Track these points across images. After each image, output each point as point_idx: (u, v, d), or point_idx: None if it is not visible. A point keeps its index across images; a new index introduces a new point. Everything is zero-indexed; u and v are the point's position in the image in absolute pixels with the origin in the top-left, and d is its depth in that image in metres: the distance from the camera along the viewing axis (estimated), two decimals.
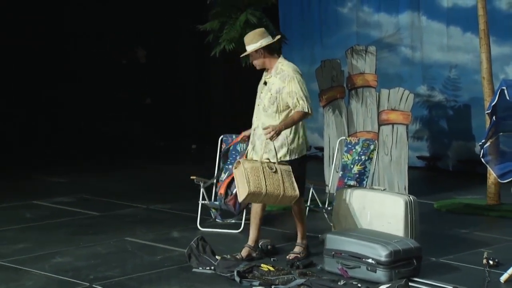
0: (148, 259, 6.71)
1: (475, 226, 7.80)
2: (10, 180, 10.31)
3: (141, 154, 12.63)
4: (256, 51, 6.52)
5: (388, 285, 5.69)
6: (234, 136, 7.81)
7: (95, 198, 9.27)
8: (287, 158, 6.48)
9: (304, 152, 6.58)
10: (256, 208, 6.64)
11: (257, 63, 6.59)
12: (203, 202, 7.72)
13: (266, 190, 6.23)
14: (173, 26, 13.31)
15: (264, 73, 6.65)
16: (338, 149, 8.26)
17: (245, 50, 6.67)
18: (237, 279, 5.97)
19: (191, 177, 7.68)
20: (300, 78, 6.47)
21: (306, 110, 6.38)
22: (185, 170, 7.98)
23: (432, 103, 10.77)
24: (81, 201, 9.14)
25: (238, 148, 7.79)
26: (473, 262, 6.45)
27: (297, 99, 6.38)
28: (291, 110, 6.43)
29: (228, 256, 6.47)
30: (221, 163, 7.82)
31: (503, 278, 5.99)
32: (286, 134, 6.46)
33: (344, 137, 8.42)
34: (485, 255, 6.29)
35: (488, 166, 6.20)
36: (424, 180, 10.15)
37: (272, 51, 6.57)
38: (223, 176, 7.75)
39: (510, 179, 6.02)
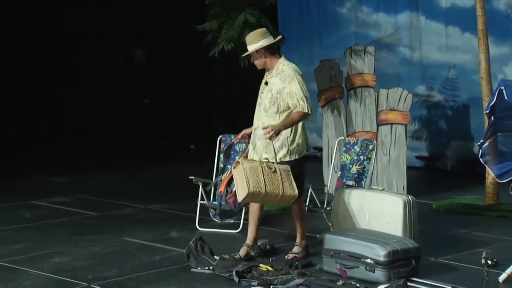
0: (147, 259, 6.71)
1: (473, 226, 7.80)
2: (10, 180, 10.31)
3: (141, 154, 12.63)
4: (257, 51, 6.53)
5: (386, 285, 5.69)
6: (232, 136, 7.81)
7: (94, 198, 9.27)
8: (287, 159, 6.48)
9: (304, 152, 6.59)
10: (254, 207, 6.65)
11: (258, 63, 6.61)
12: (201, 202, 7.72)
13: (266, 190, 6.23)
14: (173, 26, 13.31)
15: (266, 73, 6.66)
16: (336, 149, 8.26)
17: (245, 50, 6.68)
18: (236, 279, 5.97)
19: (190, 177, 7.68)
20: (301, 78, 6.47)
21: (306, 111, 6.38)
22: (185, 170, 7.98)
23: (430, 103, 10.78)
24: (80, 201, 9.14)
25: (237, 148, 7.79)
26: (471, 262, 6.46)
27: (297, 99, 6.38)
28: (292, 110, 6.43)
29: (227, 256, 6.47)
30: (223, 161, 7.81)
31: (501, 278, 5.99)
32: (287, 134, 6.46)
33: (343, 137, 8.41)
34: (483, 255, 6.29)
35: (486, 166, 6.20)
36: (422, 180, 10.16)
37: (273, 51, 6.58)
38: (225, 174, 7.75)
39: (508, 179, 6.02)
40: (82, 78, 13.59)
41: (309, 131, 6.73)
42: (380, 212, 6.57)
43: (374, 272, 5.97)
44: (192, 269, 6.33)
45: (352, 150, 7.81)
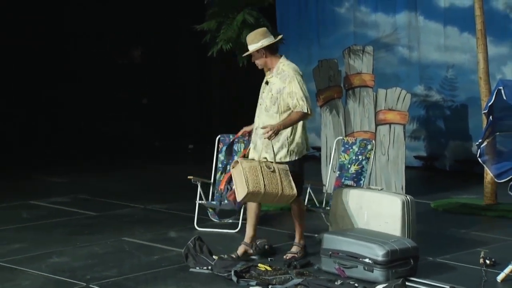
0: (145, 259, 6.71)
1: (472, 226, 7.81)
2: (10, 180, 10.32)
3: (141, 154, 12.63)
4: (258, 51, 6.55)
5: (385, 285, 5.70)
6: (231, 136, 7.82)
7: (93, 198, 9.27)
8: (287, 159, 6.49)
9: (304, 152, 6.60)
10: (251, 206, 6.65)
11: (259, 62, 6.63)
12: (200, 202, 7.73)
13: (265, 190, 6.24)
14: (173, 26, 13.32)
15: (267, 73, 6.68)
16: (335, 149, 8.26)
17: (243, 50, 6.70)
18: (234, 279, 5.97)
19: (189, 177, 7.68)
20: (301, 78, 6.49)
21: (306, 111, 6.39)
22: (185, 170, 7.98)
23: (429, 103, 10.79)
24: (79, 201, 9.15)
25: (236, 148, 7.80)
26: (470, 262, 6.46)
27: (297, 99, 6.39)
28: (292, 110, 6.45)
29: (225, 256, 6.47)
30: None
31: (499, 277, 6.00)
32: (287, 135, 6.48)
33: (341, 137, 8.42)
34: (482, 255, 6.30)
35: (485, 166, 6.20)
36: (421, 180, 10.17)
37: (273, 51, 6.59)
38: (227, 171, 7.76)
39: (506, 179, 6.03)
40: (82, 78, 13.59)
41: (308, 130, 6.73)
42: (378, 212, 6.58)
43: (372, 272, 5.97)
44: (191, 269, 6.33)
45: (351, 150, 7.81)
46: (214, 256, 6.38)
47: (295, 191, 6.36)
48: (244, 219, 7.19)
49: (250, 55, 6.68)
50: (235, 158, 7.47)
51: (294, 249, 6.65)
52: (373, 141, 7.89)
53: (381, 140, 8.94)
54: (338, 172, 7.84)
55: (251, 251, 6.62)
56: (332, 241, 6.25)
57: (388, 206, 6.56)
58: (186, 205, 8.31)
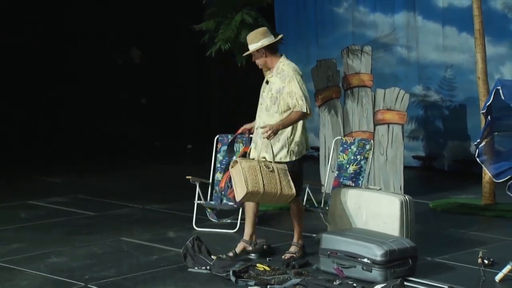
0: (144, 259, 6.71)
1: (470, 226, 7.81)
2: (10, 180, 10.31)
3: (141, 154, 12.63)
4: (258, 50, 6.56)
5: (383, 285, 5.70)
6: (229, 136, 7.82)
7: (92, 198, 9.27)
8: (288, 159, 6.51)
9: (303, 152, 6.62)
10: (250, 204, 6.66)
11: (259, 62, 6.65)
12: (198, 202, 7.73)
13: (264, 190, 6.25)
14: (173, 26, 13.32)
15: (267, 72, 6.69)
16: (333, 148, 8.26)
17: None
18: (233, 279, 5.97)
19: (187, 177, 7.68)
20: (300, 78, 6.50)
21: (305, 110, 6.40)
22: (185, 170, 7.98)
23: (427, 103, 10.79)
24: (78, 201, 9.14)
25: (235, 148, 7.79)
26: (468, 262, 6.47)
27: (296, 99, 6.40)
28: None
29: (224, 256, 6.48)
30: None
31: (498, 277, 6.00)
32: (287, 135, 6.49)
33: (340, 137, 8.42)
34: (480, 255, 6.29)
35: (483, 166, 6.21)
36: (419, 180, 10.17)
37: (274, 50, 6.61)
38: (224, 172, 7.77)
39: (505, 179, 6.03)
40: (82, 78, 13.59)
41: (307, 130, 6.74)
42: (377, 211, 6.58)
43: (371, 272, 5.97)
44: (189, 269, 6.34)
45: (349, 149, 7.82)
46: (212, 256, 6.39)
47: (293, 190, 6.37)
48: (243, 219, 7.19)
49: (250, 55, 6.69)
50: (234, 158, 7.47)
51: (293, 249, 6.65)
52: (372, 141, 7.89)
53: (380, 140, 8.94)
54: (336, 172, 7.85)
55: (250, 248, 6.63)
56: (330, 241, 6.25)
57: (386, 206, 6.56)
58: (184, 205, 8.31)
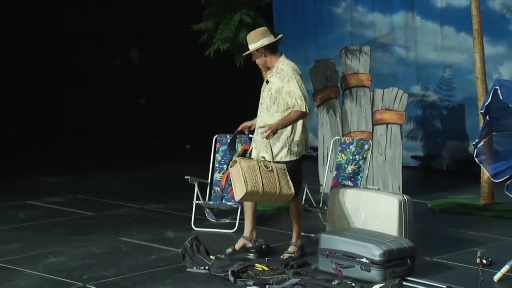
0: (143, 259, 6.71)
1: (468, 226, 7.81)
2: (10, 180, 10.31)
3: (141, 154, 12.63)
4: (257, 50, 6.58)
5: (382, 285, 5.70)
6: (228, 136, 7.82)
7: (91, 198, 9.26)
8: (288, 159, 6.51)
9: (303, 152, 6.63)
10: (248, 202, 6.66)
11: (259, 62, 6.68)
12: (197, 202, 7.73)
13: (263, 189, 6.25)
14: (173, 26, 13.32)
15: (267, 72, 6.70)
16: (332, 148, 8.26)
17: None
18: (231, 278, 5.97)
19: (186, 177, 7.68)
20: (299, 78, 6.51)
21: (304, 110, 6.41)
22: (185, 170, 7.98)
23: (426, 103, 10.79)
24: (76, 201, 9.14)
25: (236, 147, 7.78)
26: (466, 262, 6.47)
27: (295, 98, 6.41)
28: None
29: (222, 256, 6.48)
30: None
31: (496, 277, 6.01)
32: (287, 135, 6.50)
33: (338, 137, 8.43)
34: (478, 254, 6.29)
35: (481, 166, 6.21)
36: (418, 180, 10.17)
37: (273, 50, 6.63)
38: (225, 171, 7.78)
39: (503, 179, 6.03)
40: (82, 78, 13.58)
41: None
42: (375, 211, 6.58)
43: (369, 272, 5.97)
44: (188, 269, 6.34)
45: (348, 149, 7.82)
46: (211, 256, 6.38)
47: (292, 190, 6.37)
48: (241, 219, 7.20)
49: (250, 55, 6.70)
50: (234, 157, 7.46)
51: (291, 249, 6.65)
52: (370, 141, 7.89)
53: (378, 140, 8.95)
54: (335, 172, 7.85)
55: (249, 244, 6.63)
56: (329, 241, 6.25)
57: (385, 206, 6.56)
58: (183, 205, 8.31)
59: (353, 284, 5.81)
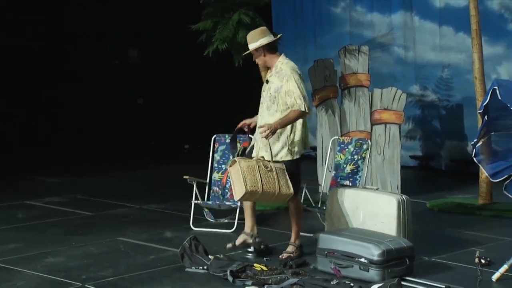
0: (141, 259, 6.71)
1: (467, 226, 7.82)
2: (9, 180, 10.30)
3: (141, 154, 12.62)
4: (257, 49, 6.59)
5: (380, 285, 5.70)
6: (227, 136, 7.83)
7: (90, 198, 9.26)
8: (288, 158, 6.52)
9: (302, 151, 6.63)
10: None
11: (259, 61, 6.70)
12: (196, 201, 7.73)
13: (262, 189, 6.25)
14: (173, 26, 13.32)
15: (267, 72, 6.71)
16: (331, 148, 8.27)
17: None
18: (230, 278, 5.97)
19: (184, 177, 7.68)
20: (298, 77, 6.51)
21: (303, 109, 6.41)
22: (185, 170, 7.98)
23: (424, 103, 10.80)
24: (75, 201, 9.14)
25: (237, 146, 7.78)
26: (465, 261, 6.47)
27: (294, 98, 6.42)
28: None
29: (221, 256, 6.47)
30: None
31: (495, 277, 6.01)
32: (287, 134, 6.50)
33: (337, 137, 8.43)
34: (477, 254, 6.30)
35: (480, 166, 6.21)
36: (416, 180, 10.18)
37: (273, 49, 6.63)
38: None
39: (501, 178, 6.03)
40: (82, 78, 13.59)
41: None
42: (374, 211, 6.58)
43: (368, 272, 5.98)
44: (186, 269, 6.33)
45: (346, 149, 7.82)
46: (210, 256, 6.38)
47: (291, 190, 6.38)
48: (240, 219, 7.20)
49: (250, 54, 6.70)
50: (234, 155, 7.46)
51: (290, 248, 6.65)
52: (369, 141, 7.89)
53: (377, 140, 8.95)
54: (333, 172, 7.85)
55: (250, 240, 6.64)
56: (327, 240, 6.25)
57: (383, 205, 6.56)
58: (182, 205, 8.31)
59: (352, 284, 5.81)
